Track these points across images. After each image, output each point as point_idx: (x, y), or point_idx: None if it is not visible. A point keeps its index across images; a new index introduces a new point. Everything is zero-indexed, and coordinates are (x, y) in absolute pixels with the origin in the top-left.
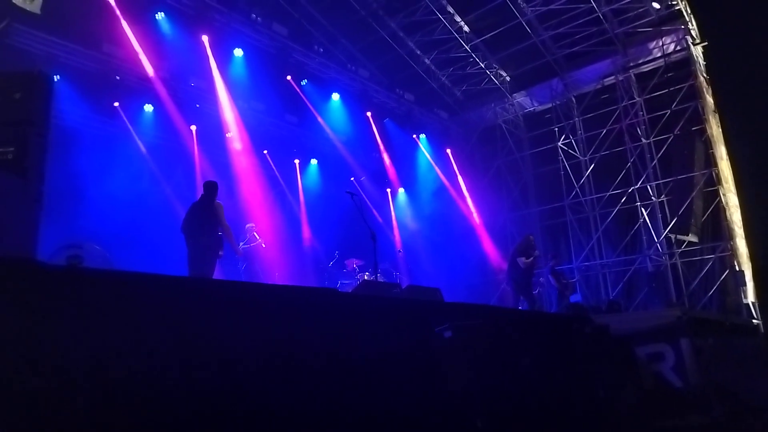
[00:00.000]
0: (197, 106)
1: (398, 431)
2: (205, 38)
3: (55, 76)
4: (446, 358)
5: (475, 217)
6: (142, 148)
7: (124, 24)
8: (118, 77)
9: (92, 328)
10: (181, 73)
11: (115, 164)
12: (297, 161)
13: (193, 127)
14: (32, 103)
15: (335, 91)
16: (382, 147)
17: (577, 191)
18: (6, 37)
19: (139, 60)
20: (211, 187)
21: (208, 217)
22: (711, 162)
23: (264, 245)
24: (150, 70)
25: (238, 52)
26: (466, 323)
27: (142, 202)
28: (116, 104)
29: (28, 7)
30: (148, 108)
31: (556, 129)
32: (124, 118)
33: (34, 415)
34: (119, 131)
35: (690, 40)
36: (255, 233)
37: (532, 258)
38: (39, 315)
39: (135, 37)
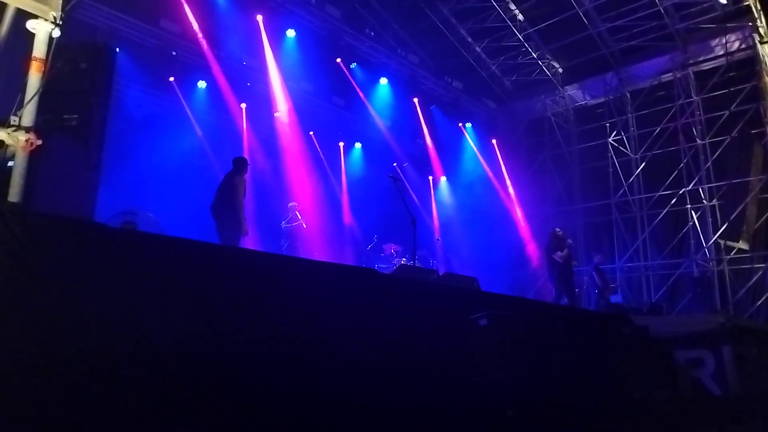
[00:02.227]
0: (248, 84)
1: (429, 413)
2: (259, 18)
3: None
4: (480, 346)
5: (517, 210)
6: (194, 123)
7: (183, 1)
8: (174, 53)
9: (144, 285)
10: (235, 52)
11: (168, 137)
12: (342, 144)
13: (243, 105)
14: (97, 73)
15: (383, 76)
16: (427, 134)
17: (625, 190)
18: (72, 10)
19: (195, 37)
20: (235, 162)
21: (228, 193)
22: None
23: (305, 225)
24: (205, 47)
25: (291, 33)
26: (503, 313)
27: (191, 175)
28: (171, 79)
29: None
30: (202, 84)
31: (608, 124)
32: (179, 93)
33: (82, 369)
34: (173, 105)
35: (757, 38)
36: (297, 212)
37: (567, 249)
38: (98, 272)
39: (192, 14)
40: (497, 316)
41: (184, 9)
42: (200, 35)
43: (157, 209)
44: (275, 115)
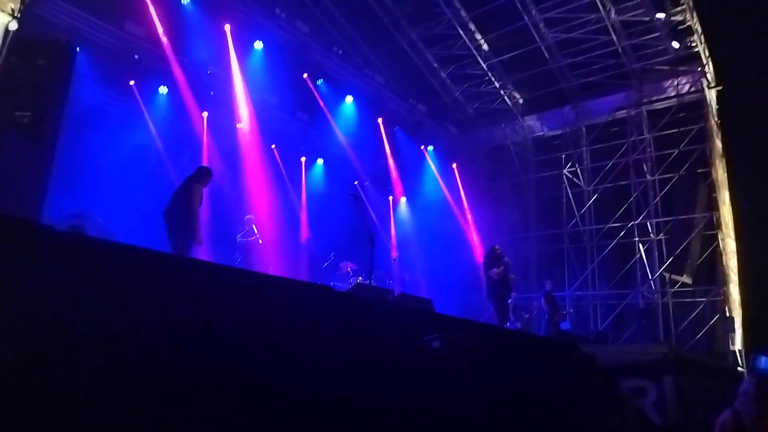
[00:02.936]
0: (211, 93)
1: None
2: (227, 27)
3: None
4: (431, 367)
5: (474, 234)
6: (152, 129)
7: (149, 4)
8: (136, 56)
9: (82, 290)
10: (200, 60)
11: (124, 141)
12: (303, 159)
13: (205, 114)
14: (55, 71)
15: (349, 94)
16: (389, 154)
17: (577, 220)
18: (32, 5)
19: (160, 42)
20: (199, 170)
21: (183, 199)
22: (713, 206)
23: (261, 241)
24: (169, 52)
25: (258, 45)
26: (455, 336)
27: (146, 182)
28: (132, 83)
29: None
30: (163, 90)
31: (564, 156)
32: (138, 98)
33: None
34: (132, 109)
35: (705, 83)
36: (254, 225)
37: (503, 266)
38: (36, 273)
39: (158, 18)
40: (449, 339)
41: (150, 12)
42: (165, 40)
43: (109, 213)
44: (237, 126)
